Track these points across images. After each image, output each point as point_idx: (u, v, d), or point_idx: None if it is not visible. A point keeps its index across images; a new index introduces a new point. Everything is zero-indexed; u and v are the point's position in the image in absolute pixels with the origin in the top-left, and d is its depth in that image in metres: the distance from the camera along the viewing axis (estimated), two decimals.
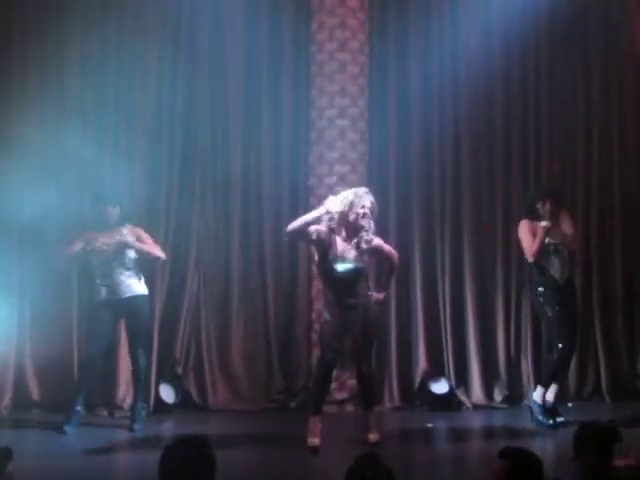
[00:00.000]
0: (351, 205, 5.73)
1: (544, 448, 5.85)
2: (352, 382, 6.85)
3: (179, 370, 7.53)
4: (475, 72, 7.94)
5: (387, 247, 6.05)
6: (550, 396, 6.59)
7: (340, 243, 5.75)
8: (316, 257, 5.95)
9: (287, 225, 5.87)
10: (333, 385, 6.90)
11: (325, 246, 5.75)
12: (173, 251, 7.59)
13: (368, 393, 6.07)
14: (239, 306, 7.80)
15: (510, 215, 7.85)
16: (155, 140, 7.62)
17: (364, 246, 5.77)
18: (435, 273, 7.87)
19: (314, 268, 7.27)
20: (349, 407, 7.37)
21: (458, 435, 6.80)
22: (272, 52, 7.98)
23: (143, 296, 6.67)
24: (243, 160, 7.87)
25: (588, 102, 8.15)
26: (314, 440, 5.74)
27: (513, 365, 7.84)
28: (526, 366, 7.81)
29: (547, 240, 6.54)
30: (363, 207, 5.73)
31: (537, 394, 6.61)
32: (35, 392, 7.25)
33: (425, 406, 7.57)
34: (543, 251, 6.56)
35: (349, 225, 5.75)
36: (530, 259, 6.61)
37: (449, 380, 7.64)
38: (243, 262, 7.84)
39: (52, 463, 5.52)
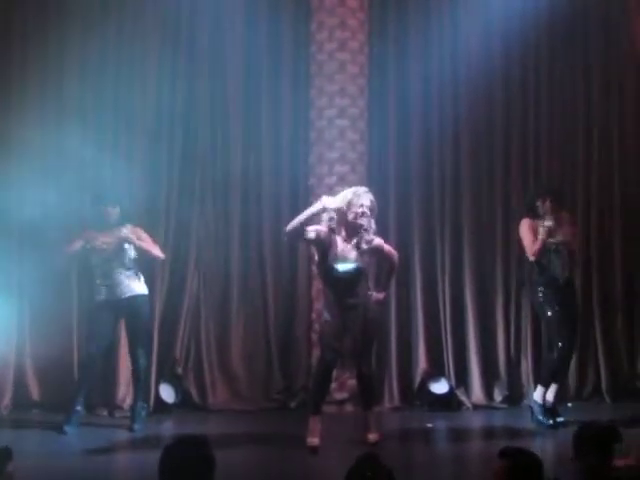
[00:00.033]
0: (349, 204, 5.72)
1: (544, 448, 5.85)
2: (352, 382, 6.85)
3: (179, 370, 7.54)
4: (475, 72, 7.94)
5: (387, 247, 6.05)
6: (550, 396, 6.60)
7: (340, 243, 5.74)
8: (316, 257, 5.94)
9: (286, 225, 5.87)
10: (333, 385, 6.89)
11: (325, 246, 5.74)
12: (173, 251, 7.59)
13: (368, 393, 6.07)
14: (239, 306, 7.80)
15: (510, 215, 7.85)
16: (155, 140, 7.62)
17: (364, 246, 5.76)
18: (435, 273, 7.87)
19: (314, 268, 7.27)
20: (349, 407, 7.37)
21: (458, 435, 6.80)
22: (272, 52, 7.98)
23: (143, 296, 6.67)
24: (243, 160, 7.87)
25: (588, 102, 8.15)
26: (314, 440, 5.74)
27: (513, 365, 7.84)
28: (526, 366, 7.81)
29: (548, 239, 6.54)
30: (362, 206, 5.72)
31: (537, 394, 6.61)
32: (35, 392, 7.25)
33: (425, 406, 7.57)
34: (544, 250, 6.57)
35: (348, 224, 5.74)
36: (531, 258, 6.62)
37: (449, 380, 7.64)
38: (243, 262, 7.84)
39: (52, 463, 5.52)
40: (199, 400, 7.57)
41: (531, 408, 6.67)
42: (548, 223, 6.51)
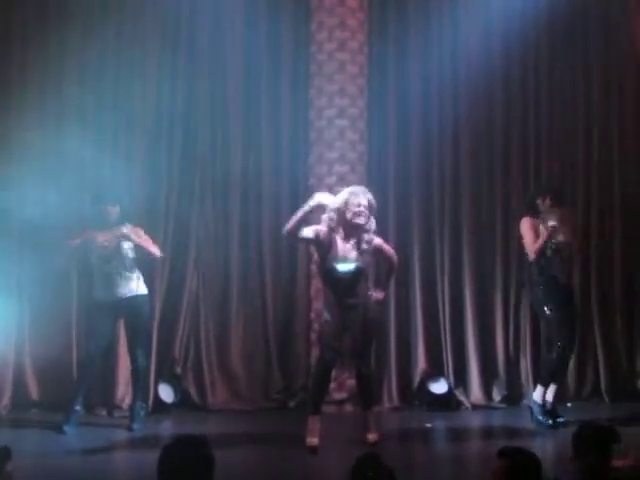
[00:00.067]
0: (346, 204, 5.71)
1: (543, 448, 5.85)
2: (351, 382, 6.85)
3: (178, 370, 7.53)
4: (475, 72, 7.94)
5: (387, 247, 6.05)
6: (549, 396, 6.59)
7: (340, 243, 5.73)
8: (315, 257, 5.94)
9: (285, 226, 5.87)
10: (332, 385, 6.89)
11: (325, 246, 5.73)
12: (172, 251, 7.60)
13: (367, 393, 6.07)
14: (238, 306, 7.80)
15: (509, 215, 7.86)
16: (155, 140, 7.62)
17: (364, 246, 5.75)
18: (434, 273, 7.87)
19: (313, 268, 7.29)
20: (348, 407, 7.36)
21: (457, 435, 6.80)
22: (271, 52, 7.98)
23: (142, 296, 6.67)
24: (242, 160, 7.87)
25: (588, 102, 8.14)
26: (313, 440, 5.74)
27: (512, 365, 7.84)
28: (525, 366, 7.81)
29: (550, 240, 6.55)
30: (359, 205, 5.71)
31: (537, 394, 6.60)
32: (34, 392, 7.25)
33: (424, 406, 7.57)
34: (544, 250, 6.57)
35: (347, 224, 5.73)
36: (532, 257, 6.61)
37: (448, 379, 7.64)
38: (242, 262, 7.84)
39: (51, 463, 5.52)
40: (198, 400, 7.57)
41: (531, 408, 6.67)
42: (552, 223, 6.50)
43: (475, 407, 7.61)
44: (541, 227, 6.58)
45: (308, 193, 7.63)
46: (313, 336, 7.33)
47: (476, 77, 7.93)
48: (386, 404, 7.60)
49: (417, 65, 7.98)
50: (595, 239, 8.01)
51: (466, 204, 7.94)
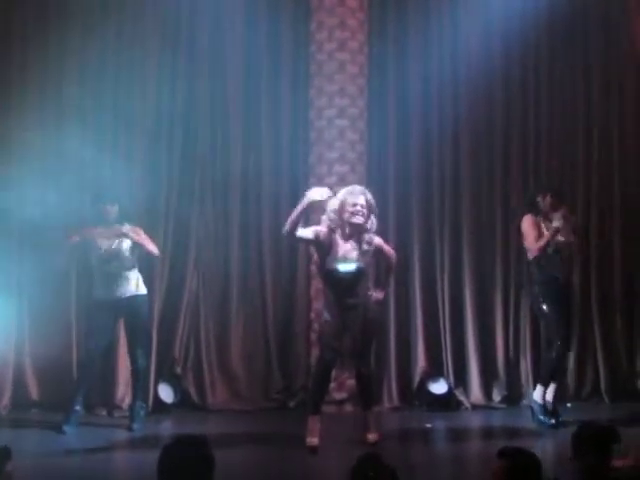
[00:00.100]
0: (343, 203, 5.71)
1: (543, 448, 5.85)
2: (351, 382, 6.84)
3: (178, 370, 7.53)
4: (475, 72, 7.94)
5: (386, 247, 6.04)
6: (549, 396, 6.59)
7: (341, 243, 5.72)
8: (315, 257, 5.93)
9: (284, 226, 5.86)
10: (332, 385, 6.89)
11: (325, 247, 5.72)
12: (172, 251, 7.60)
13: (367, 393, 6.06)
14: (238, 306, 7.80)
15: (509, 215, 7.86)
16: (155, 140, 7.62)
17: (365, 247, 5.74)
18: (434, 272, 7.87)
19: (313, 268, 7.29)
20: (348, 407, 7.36)
21: (457, 435, 6.80)
22: (271, 52, 7.98)
23: (142, 296, 6.67)
24: (242, 160, 7.87)
25: (588, 102, 8.15)
26: (313, 440, 5.74)
27: (512, 365, 7.84)
28: (525, 366, 7.81)
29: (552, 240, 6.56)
30: (355, 205, 5.69)
31: (537, 394, 6.59)
32: (34, 392, 7.25)
33: (424, 406, 7.57)
34: (545, 249, 6.57)
35: (345, 224, 5.72)
36: (534, 254, 6.60)
37: (448, 380, 7.64)
38: (242, 262, 7.84)
39: (51, 463, 5.52)
40: (198, 400, 7.57)
41: (531, 408, 6.66)
42: (556, 224, 6.50)
43: (475, 407, 7.61)
44: (542, 225, 6.59)
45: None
46: (313, 336, 7.33)
47: (476, 77, 7.93)
48: (386, 404, 7.60)
49: (417, 65, 7.98)
50: (595, 239, 8.01)
51: (466, 204, 7.94)
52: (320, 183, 7.55)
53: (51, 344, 7.09)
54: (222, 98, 7.90)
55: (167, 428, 6.95)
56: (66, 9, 7.48)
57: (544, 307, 6.63)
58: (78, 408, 6.54)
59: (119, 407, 7.17)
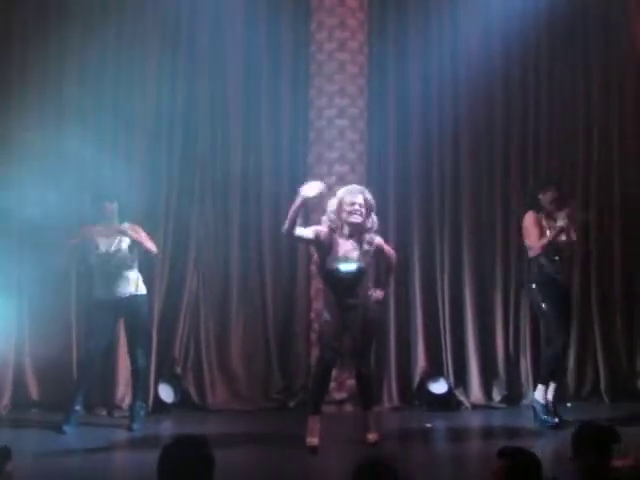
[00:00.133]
0: (341, 203, 5.71)
1: (543, 448, 5.84)
2: (351, 382, 6.84)
3: (178, 370, 7.53)
4: (475, 72, 7.94)
5: (386, 247, 6.04)
6: (550, 395, 6.59)
7: (342, 243, 5.71)
8: (315, 257, 5.92)
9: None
10: (332, 385, 6.89)
11: (326, 247, 5.71)
12: (172, 251, 7.60)
13: (367, 393, 6.06)
14: (238, 306, 7.80)
15: (509, 215, 7.87)
16: (155, 140, 7.62)
17: (366, 247, 5.74)
18: (434, 272, 7.87)
19: (313, 268, 7.29)
20: (348, 407, 7.36)
21: (457, 435, 6.80)
22: (271, 52, 7.99)
23: (142, 296, 6.67)
24: (242, 160, 7.88)
25: (588, 102, 8.15)
26: (313, 440, 5.73)
27: (512, 364, 7.84)
28: (525, 365, 7.81)
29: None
30: (352, 204, 5.68)
31: (538, 394, 6.57)
32: (34, 392, 7.25)
33: (424, 406, 7.57)
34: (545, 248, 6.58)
35: (343, 223, 5.72)
36: (536, 252, 6.59)
37: (448, 379, 7.64)
38: (242, 262, 7.85)
39: (51, 463, 5.53)
40: (198, 400, 7.57)
41: (534, 408, 6.60)
42: (561, 224, 6.50)
43: (475, 407, 7.61)
44: (544, 222, 6.59)
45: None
46: (313, 336, 7.33)
47: (476, 77, 7.93)
48: (386, 404, 7.60)
49: (417, 65, 7.98)
50: (595, 239, 8.00)
51: (466, 204, 7.95)
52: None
53: (51, 344, 7.09)
54: (222, 98, 7.90)
55: (167, 428, 6.95)
56: (66, 9, 7.48)
57: (543, 306, 6.63)
58: (78, 408, 6.54)
59: (119, 407, 7.17)
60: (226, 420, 7.07)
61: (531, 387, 7.41)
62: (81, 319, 7.15)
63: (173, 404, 7.40)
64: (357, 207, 5.68)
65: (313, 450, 5.70)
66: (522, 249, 6.97)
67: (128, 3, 7.67)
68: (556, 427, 6.37)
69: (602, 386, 7.83)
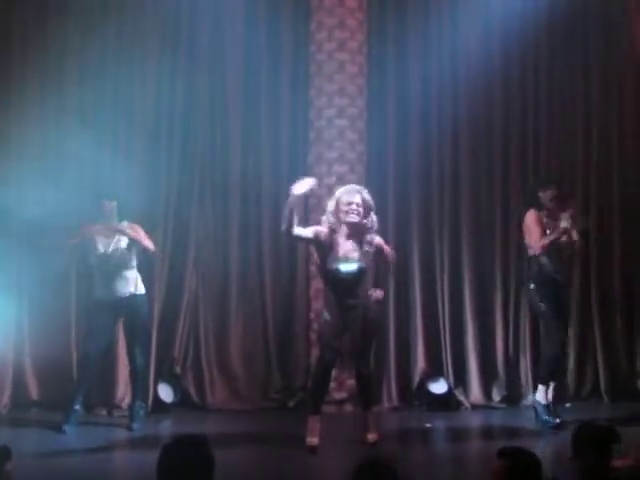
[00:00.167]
0: (338, 202, 5.71)
1: (543, 448, 5.84)
2: (351, 382, 6.85)
3: (177, 369, 7.54)
4: (474, 72, 7.94)
5: (386, 246, 6.04)
6: (550, 395, 6.58)
7: (342, 243, 5.70)
8: (315, 257, 5.92)
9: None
10: (332, 385, 6.89)
11: (326, 247, 5.70)
12: (172, 251, 7.60)
13: (367, 393, 6.06)
14: (238, 306, 7.80)
15: (509, 215, 7.86)
16: (154, 140, 7.63)
17: (367, 248, 5.73)
18: (434, 272, 7.87)
19: (313, 268, 7.28)
20: (348, 407, 7.36)
21: (457, 435, 6.80)
22: (271, 52, 7.99)
23: (141, 296, 6.68)
24: (242, 160, 7.88)
25: (587, 102, 8.15)
26: (313, 440, 5.73)
27: (512, 365, 7.84)
28: (525, 366, 7.80)
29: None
30: (349, 204, 5.67)
31: (539, 394, 6.55)
32: (34, 391, 7.26)
33: (424, 406, 7.57)
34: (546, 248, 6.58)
35: (342, 223, 5.71)
36: (537, 251, 6.58)
37: (447, 379, 7.64)
38: (242, 262, 7.84)
39: (51, 462, 5.53)
40: (198, 399, 7.57)
41: (535, 409, 6.58)
42: (564, 225, 6.50)
43: (475, 407, 7.61)
44: (545, 220, 6.58)
45: (307, 193, 7.65)
46: (313, 336, 7.33)
47: (476, 77, 7.93)
48: (386, 404, 7.60)
49: (416, 65, 7.98)
50: (594, 239, 7.99)
51: (465, 204, 7.95)
52: (319, 183, 7.53)
53: (51, 344, 7.10)
54: (222, 98, 7.90)
55: (167, 428, 6.95)
56: (66, 9, 7.49)
57: (542, 306, 6.63)
58: (78, 408, 6.54)
59: (119, 407, 7.17)
60: (225, 420, 7.07)
61: (531, 387, 7.41)
62: (81, 319, 7.15)
63: (173, 404, 7.40)
64: (354, 207, 5.67)
65: (313, 450, 5.70)
66: (522, 247, 6.97)
67: (128, 3, 7.68)
68: (557, 428, 6.36)
69: (602, 386, 7.83)
